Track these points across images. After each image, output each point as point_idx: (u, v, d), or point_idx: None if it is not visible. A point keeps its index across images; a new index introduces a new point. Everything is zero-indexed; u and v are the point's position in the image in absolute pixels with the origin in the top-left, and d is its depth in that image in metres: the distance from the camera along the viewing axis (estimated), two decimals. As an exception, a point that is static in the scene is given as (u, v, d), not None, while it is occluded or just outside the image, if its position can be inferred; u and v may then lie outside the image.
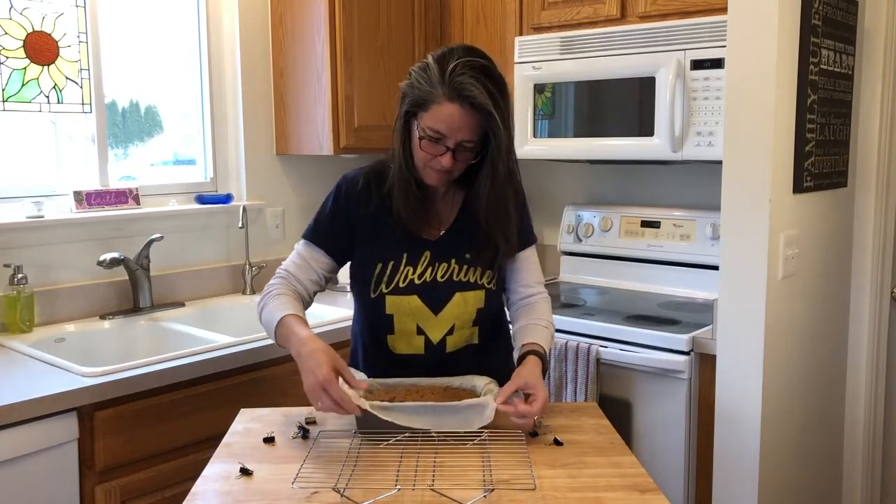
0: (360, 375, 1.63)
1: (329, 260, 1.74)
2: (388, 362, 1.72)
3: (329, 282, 1.79)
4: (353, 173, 1.75)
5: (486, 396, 1.52)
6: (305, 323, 1.62)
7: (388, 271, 1.68)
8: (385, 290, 1.68)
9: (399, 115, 1.63)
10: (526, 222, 1.80)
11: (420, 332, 1.69)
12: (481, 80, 1.51)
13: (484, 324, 1.74)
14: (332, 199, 1.74)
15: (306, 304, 1.73)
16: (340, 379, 1.46)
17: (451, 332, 1.69)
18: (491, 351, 1.77)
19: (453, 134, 1.55)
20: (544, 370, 1.63)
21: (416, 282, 1.67)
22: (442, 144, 1.56)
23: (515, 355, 1.70)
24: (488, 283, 1.72)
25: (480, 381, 1.61)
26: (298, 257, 1.74)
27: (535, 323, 1.73)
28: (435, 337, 1.69)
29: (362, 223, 1.71)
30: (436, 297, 1.68)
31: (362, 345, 1.79)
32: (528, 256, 1.80)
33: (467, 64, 1.53)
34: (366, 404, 1.45)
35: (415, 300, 1.67)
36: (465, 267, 1.69)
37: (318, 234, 1.74)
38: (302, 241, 1.76)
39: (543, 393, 1.53)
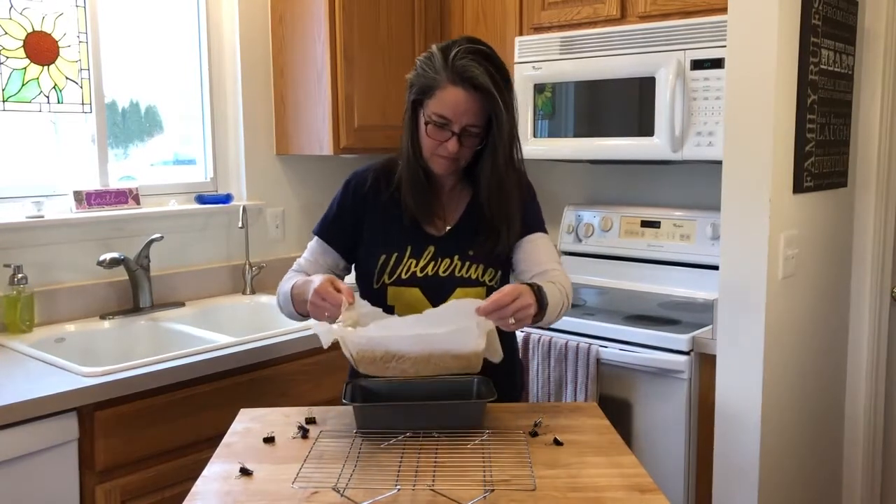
0: (363, 304, 1.57)
1: (337, 257, 1.79)
2: None
3: (342, 277, 1.81)
4: (363, 169, 1.78)
5: (469, 322, 1.44)
6: None
7: (391, 262, 1.70)
8: (387, 281, 1.70)
9: (406, 106, 1.67)
10: (533, 214, 1.78)
11: None
12: (483, 64, 1.56)
13: None
14: (340, 196, 1.78)
15: None
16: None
17: None
18: None
19: (458, 118, 1.59)
20: (539, 301, 1.51)
21: (419, 275, 1.69)
22: (448, 129, 1.60)
23: None
24: (490, 281, 1.72)
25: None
26: (310, 253, 1.81)
27: (544, 280, 1.63)
28: None
29: (370, 217, 1.74)
30: (437, 291, 1.69)
31: None
32: (538, 239, 1.75)
33: (469, 49, 1.58)
34: (349, 329, 1.43)
35: (416, 293, 1.69)
36: (467, 263, 1.71)
37: (325, 231, 1.80)
38: (314, 238, 1.81)
39: (508, 287, 1.47)
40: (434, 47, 1.63)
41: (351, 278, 1.85)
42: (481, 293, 1.71)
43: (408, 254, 1.70)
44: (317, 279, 1.57)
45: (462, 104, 1.57)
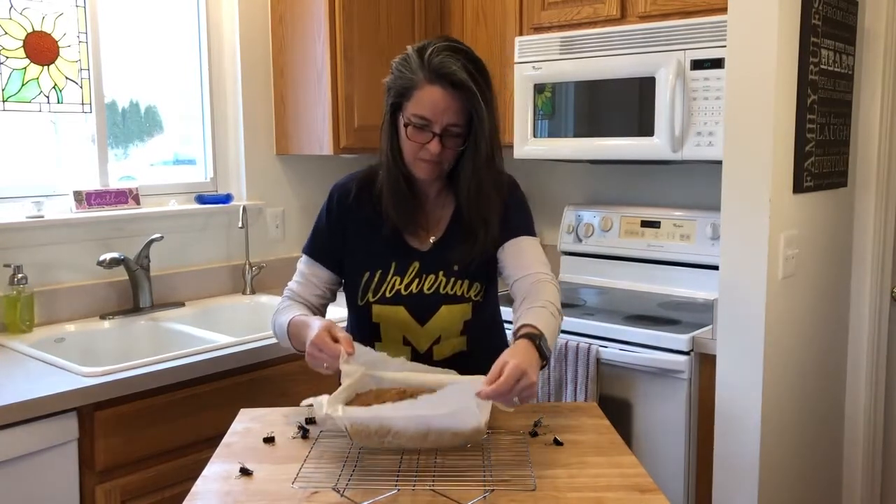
0: (364, 351, 1.51)
1: (329, 273, 1.73)
2: None
3: (336, 293, 1.79)
4: (345, 180, 1.74)
5: (469, 402, 1.37)
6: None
7: (375, 280, 1.67)
8: (372, 299, 1.67)
9: (385, 111, 1.64)
10: (520, 216, 1.72)
11: (406, 342, 1.68)
12: (460, 60, 1.53)
13: (473, 333, 1.71)
14: (325, 212, 1.73)
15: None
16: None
17: (437, 342, 1.68)
18: (482, 357, 1.68)
19: (438, 117, 1.55)
20: (542, 353, 1.43)
21: (403, 292, 1.66)
22: (428, 131, 1.56)
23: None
24: (475, 296, 1.70)
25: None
26: (300, 275, 1.75)
27: (530, 305, 1.55)
28: (421, 347, 1.68)
29: (354, 228, 1.70)
30: (422, 308, 1.66)
31: None
32: (523, 241, 1.68)
33: (445, 47, 1.55)
34: (340, 411, 1.35)
35: (401, 311, 1.66)
36: (452, 279, 1.67)
37: (315, 249, 1.74)
38: (303, 257, 1.76)
39: (513, 361, 1.35)
40: (409, 48, 1.59)
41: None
42: (466, 309, 1.68)
43: (392, 271, 1.66)
44: (315, 326, 1.50)
45: (441, 102, 1.53)
